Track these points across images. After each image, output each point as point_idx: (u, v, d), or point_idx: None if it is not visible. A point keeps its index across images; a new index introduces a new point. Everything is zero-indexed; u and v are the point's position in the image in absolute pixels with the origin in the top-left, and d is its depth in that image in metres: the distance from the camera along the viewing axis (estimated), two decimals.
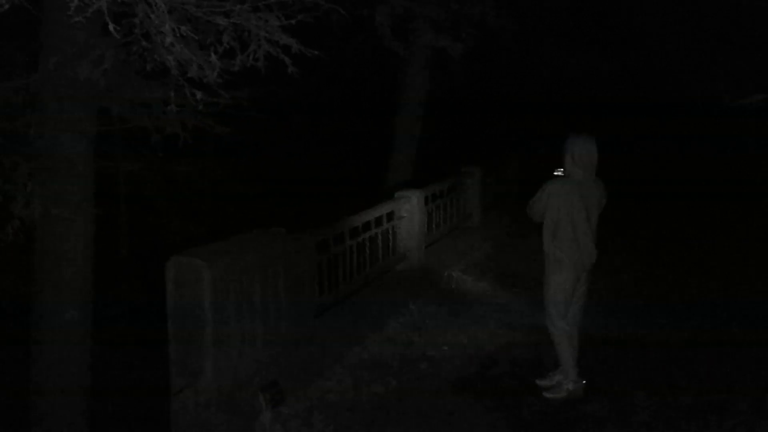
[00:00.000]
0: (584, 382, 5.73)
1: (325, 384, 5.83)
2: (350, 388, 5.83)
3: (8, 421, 6.31)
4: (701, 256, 10.45)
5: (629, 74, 18.79)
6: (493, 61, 15.20)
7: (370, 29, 11.73)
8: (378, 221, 8.15)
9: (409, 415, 5.40)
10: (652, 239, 11.77)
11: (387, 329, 7.24)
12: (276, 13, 5.29)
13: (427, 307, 8.00)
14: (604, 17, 15.66)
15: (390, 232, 8.54)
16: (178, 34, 4.89)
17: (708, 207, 14.05)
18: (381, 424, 5.24)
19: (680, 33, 12.87)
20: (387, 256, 8.43)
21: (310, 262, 6.46)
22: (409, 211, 8.89)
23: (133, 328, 7.23)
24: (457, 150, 15.89)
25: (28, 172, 5.01)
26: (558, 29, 15.76)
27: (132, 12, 4.89)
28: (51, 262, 5.51)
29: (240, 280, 5.24)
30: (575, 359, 5.72)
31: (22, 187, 5.00)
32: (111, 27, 4.81)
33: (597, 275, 5.94)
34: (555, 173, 5.82)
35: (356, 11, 6.78)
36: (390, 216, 8.53)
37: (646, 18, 12.83)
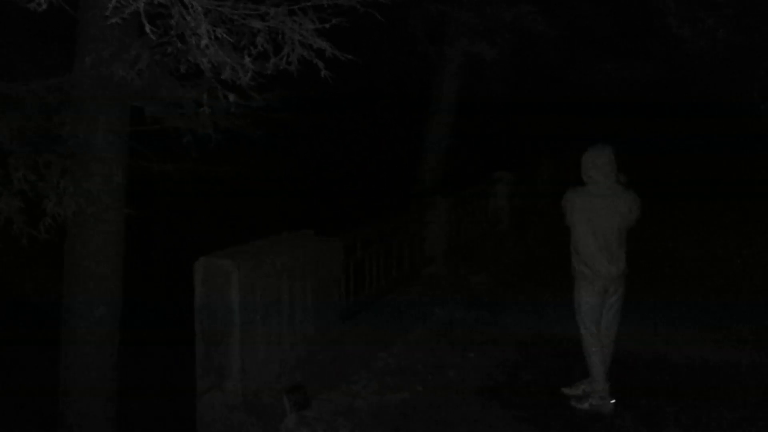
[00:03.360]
0: (613, 401, 5.61)
1: (350, 388, 5.82)
2: (376, 393, 5.81)
3: (36, 422, 6.36)
4: (736, 257, 10.33)
5: (665, 78, 18.61)
6: (528, 66, 15.09)
7: (405, 33, 11.73)
8: (406, 225, 8.14)
9: (434, 423, 5.37)
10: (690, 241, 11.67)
11: (413, 334, 7.22)
12: (311, 16, 5.29)
13: (454, 312, 7.97)
14: (641, 22, 15.48)
15: (417, 236, 8.51)
16: (213, 36, 4.90)
17: (742, 208, 13.89)
18: (406, 431, 5.21)
19: (717, 37, 12.70)
20: (414, 260, 8.41)
21: (337, 265, 6.46)
22: (437, 216, 8.86)
23: (160, 328, 7.29)
24: (490, 153, 15.82)
25: (61, 170, 5.06)
26: (594, 35, 15.61)
27: (168, 13, 4.90)
28: (81, 260, 5.56)
29: (268, 281, 5.25)
30: (606, 372, 5.64)
31: (55, 185, 5.04)
32: (147, 28, 4.83)
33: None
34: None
35: (391, 15, 6.76)
36: (418, 220, 8.52)
37: (684, 22, 12.66)
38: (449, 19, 11.93)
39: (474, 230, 10.30)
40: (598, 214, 5.53)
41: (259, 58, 5.21)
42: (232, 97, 5.19)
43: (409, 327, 7.30)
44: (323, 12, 5.32)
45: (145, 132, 5.57)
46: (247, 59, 5.11)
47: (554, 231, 7.52)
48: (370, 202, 10.38)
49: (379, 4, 5.55)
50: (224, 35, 4.97)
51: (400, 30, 11.57)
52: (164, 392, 6.74)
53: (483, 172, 11.47)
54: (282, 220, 6.30)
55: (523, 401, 5.77)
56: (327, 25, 5.29)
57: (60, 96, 4.95)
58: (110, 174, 5.41)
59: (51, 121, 4.90)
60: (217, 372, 4.97)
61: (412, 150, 13.08)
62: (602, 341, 5.67)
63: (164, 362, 7.20)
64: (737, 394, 5.90)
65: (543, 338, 7.19)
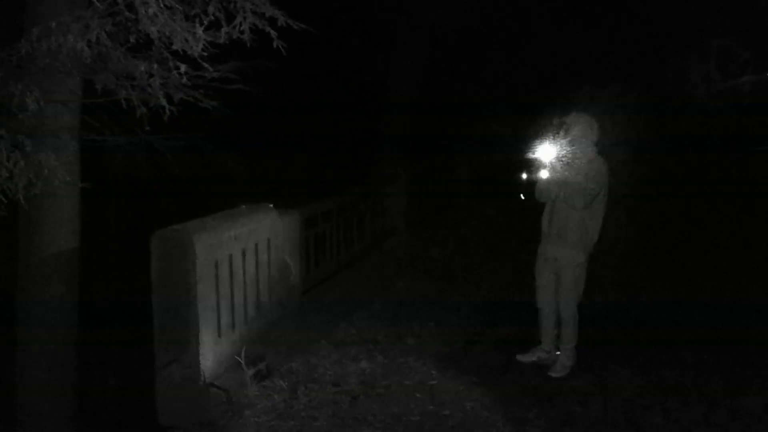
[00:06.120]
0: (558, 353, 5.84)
1: (311, 359, 5.83)
2: (336, 363, 5.83)
3: None
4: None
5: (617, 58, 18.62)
6: (485, 48, 14.93)
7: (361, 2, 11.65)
8: (366, 198, 8.15)
9: (394, 390, 5.41)
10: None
11: (374, 305, 7.27)
12: None
13: (415, 283, 8.05)
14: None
15: (378, 209, 8.53)
16: (162, 5, 4.83)
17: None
18: (366, 400, 5.23)
19: (672, 11, 12.78)
20: (374, 232, 8.44)
21: (297, 237, 6.45)
22: (397, 188, 8.89)
23: (118, 326, 7.22)
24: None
25: (11, 143, 4.96)
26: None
27: None
28: (36, 237, 5.45)
29: (226, 253, 5.22)
30: None
31: (5, 158, 4.94)
32: None
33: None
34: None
35: None
36: (378, 193, 8.53)
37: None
38: None
39: (433, 204, 10.36)
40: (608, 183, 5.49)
41: (211, 28, 5.15)
42: (183, 68, 5.12)
43: (369, 299, 7.34)
44: None
45: (97, 105, 5.47)
46: (199, 28, 5.05)
47: (511, 204, 7.60)
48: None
49: None
50: (175, 4, 4.91)
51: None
52: (125, 391, 6.70)
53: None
54: (239, 197, 6.23)
55: (480, 368, 5.85)
56: None
57: (7, 67, 4.85)
58: (62, 147, 5.32)
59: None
60: (177, 345, 4.93)
61: (369, 145, 12.95)
62: None
63: (123, 359, 7.15)
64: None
65: (500, 307, 7.31)
